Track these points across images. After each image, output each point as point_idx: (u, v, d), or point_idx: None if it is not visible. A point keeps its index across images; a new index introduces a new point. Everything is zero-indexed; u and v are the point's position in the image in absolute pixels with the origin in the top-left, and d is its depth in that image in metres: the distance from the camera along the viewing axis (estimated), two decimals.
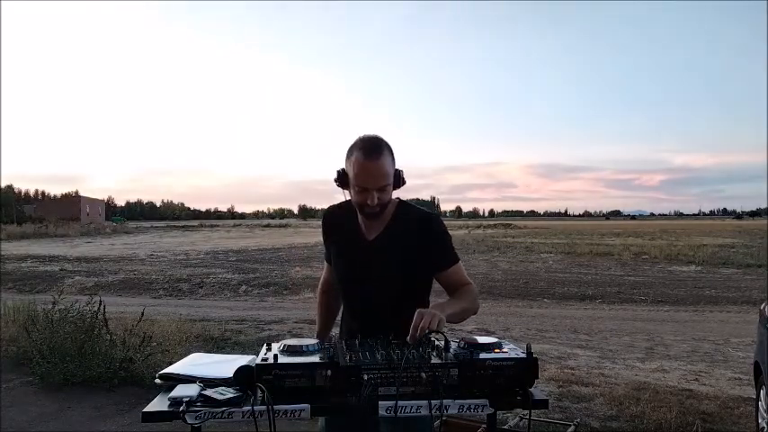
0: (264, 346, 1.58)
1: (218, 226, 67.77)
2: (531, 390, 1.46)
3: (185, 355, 1.98)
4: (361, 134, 1.76)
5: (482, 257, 19.12)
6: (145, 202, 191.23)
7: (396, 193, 1.83)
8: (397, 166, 1.78)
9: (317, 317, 2.11)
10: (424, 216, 1.85)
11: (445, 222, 1.89)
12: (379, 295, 1.82)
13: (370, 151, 1.70)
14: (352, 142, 1.77)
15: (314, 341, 1.59)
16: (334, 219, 1.96)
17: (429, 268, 1.84)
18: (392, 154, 1.76)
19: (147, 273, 14.60)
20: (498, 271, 14.88)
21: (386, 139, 1.77)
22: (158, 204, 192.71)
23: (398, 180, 1.78)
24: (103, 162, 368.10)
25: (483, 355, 1.48)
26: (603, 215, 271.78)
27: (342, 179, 1.79)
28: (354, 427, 1.79)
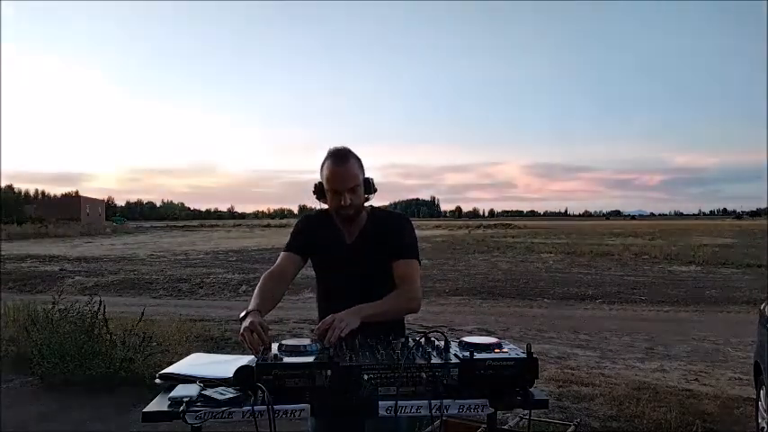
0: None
1: (218, 226, 67.71)
2: (531, 390, 1.47)
3: (185, 355, 1.98)
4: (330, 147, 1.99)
5: (482, 257, 19.13)
6: (145, 202, 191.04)
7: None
8: (368, 174, 2.00)
9: (257, 297, 1.87)
10: (394, 216, 2.12)
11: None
12: (362, 290, 1.93)
13: (338, 158, 1.94)
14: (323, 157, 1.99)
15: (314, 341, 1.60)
16: (314, 225, 2.11)
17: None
18: (359, 161, 1.99)
19: (147, 273, 14.60)
20: (498, 271, 14.88)
21: (354, 150, 2.00)
22: (158, 204, 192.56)
23: (369, 186, 2.00)
24: (103, 162, 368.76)
25: (483, 355, 1.48)
26: (603, 215, 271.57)
27: (319, 191, 2.01)
28: (341, 426, 1.82)
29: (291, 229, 2.15)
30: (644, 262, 17.32)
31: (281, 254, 2.07)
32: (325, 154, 1.98)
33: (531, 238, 31.56)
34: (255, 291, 1.91)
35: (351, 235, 2.04)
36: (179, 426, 1.40)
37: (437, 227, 58.10)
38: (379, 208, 2.12)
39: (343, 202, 1.92)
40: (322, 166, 1.98)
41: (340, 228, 2.04)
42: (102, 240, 32.57)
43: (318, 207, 2.10)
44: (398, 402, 1.39)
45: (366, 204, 2.04)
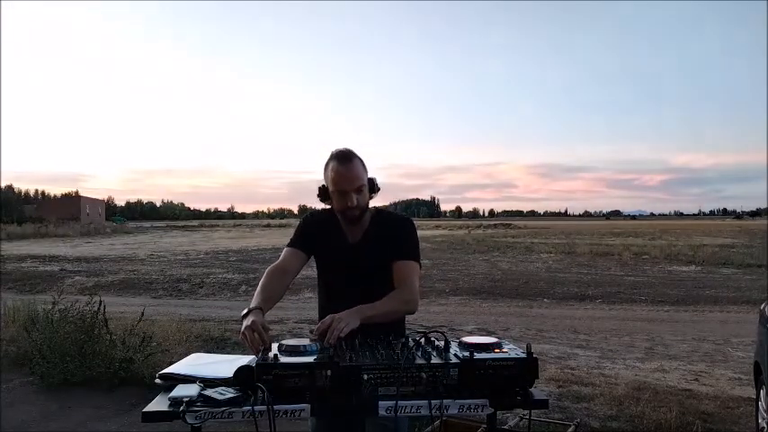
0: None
1: (218, 226, 67.75)
2: (531, 390, 1.47)
3: (185, 355, 1.98)
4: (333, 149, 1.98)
5: (482, 257, 19.13)
6: (145, 202, 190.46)
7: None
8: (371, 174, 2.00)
9: (259, 294, 1.87)
10: (398, 218, 2.14)
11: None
12: (363, 290, 1.93)
13: (343, 158, 1.94)
14: (327, 158, 1.98)
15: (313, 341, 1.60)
16: (318, 224, 2.11)
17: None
18: (363, 162, 1.99)
19: (147, 273, 14.60)
20: (498, 271, 14.88)
21: (358, 151, 2.00)
22: (158, 204, 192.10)
23: (373, 186, 2.01)
24: (103, 162, 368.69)
25: (483, 355, 1.48)
26: (603, 215, 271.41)
27: (323, 193, 2.01)
28: (341, 426, 1.82)
29: (296, 227, 2.16)
30: (644, 262, 17.31)
31: (285, 249, 2.08)
32: (326, 155, 1.98)
33: (530, 238, 31.57)
34: (258, 287, 1.91)
35: (354, 236, 2.04)
36: (179, 426, 1.40)
37: (437, 227, 58.12)
38: (383, 209, 2.13)
39: (349, 203, 1.92)
40: (326, 168, 1.97)
41: (343, 228, 2.05)
42: (102, 240, 32.57)
43: (321, 206, 2.10)
44: (398, 402, 1.39)
45: (370, 206, 2.05)
